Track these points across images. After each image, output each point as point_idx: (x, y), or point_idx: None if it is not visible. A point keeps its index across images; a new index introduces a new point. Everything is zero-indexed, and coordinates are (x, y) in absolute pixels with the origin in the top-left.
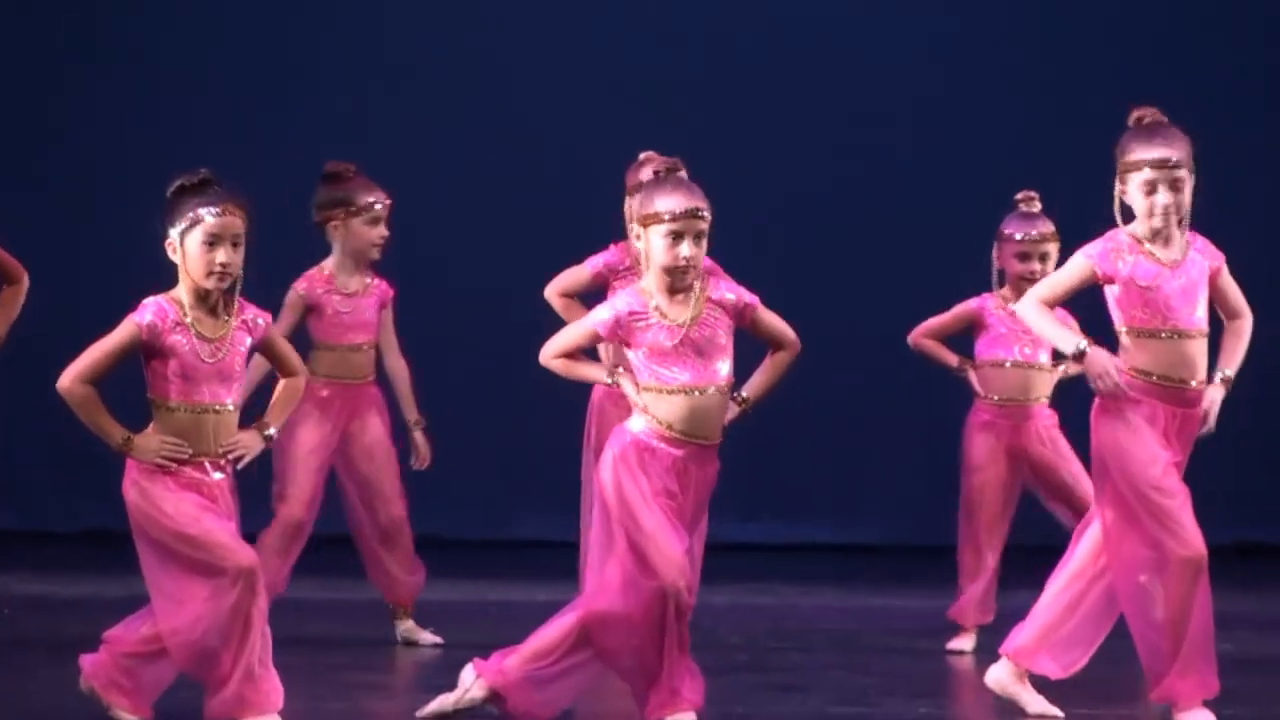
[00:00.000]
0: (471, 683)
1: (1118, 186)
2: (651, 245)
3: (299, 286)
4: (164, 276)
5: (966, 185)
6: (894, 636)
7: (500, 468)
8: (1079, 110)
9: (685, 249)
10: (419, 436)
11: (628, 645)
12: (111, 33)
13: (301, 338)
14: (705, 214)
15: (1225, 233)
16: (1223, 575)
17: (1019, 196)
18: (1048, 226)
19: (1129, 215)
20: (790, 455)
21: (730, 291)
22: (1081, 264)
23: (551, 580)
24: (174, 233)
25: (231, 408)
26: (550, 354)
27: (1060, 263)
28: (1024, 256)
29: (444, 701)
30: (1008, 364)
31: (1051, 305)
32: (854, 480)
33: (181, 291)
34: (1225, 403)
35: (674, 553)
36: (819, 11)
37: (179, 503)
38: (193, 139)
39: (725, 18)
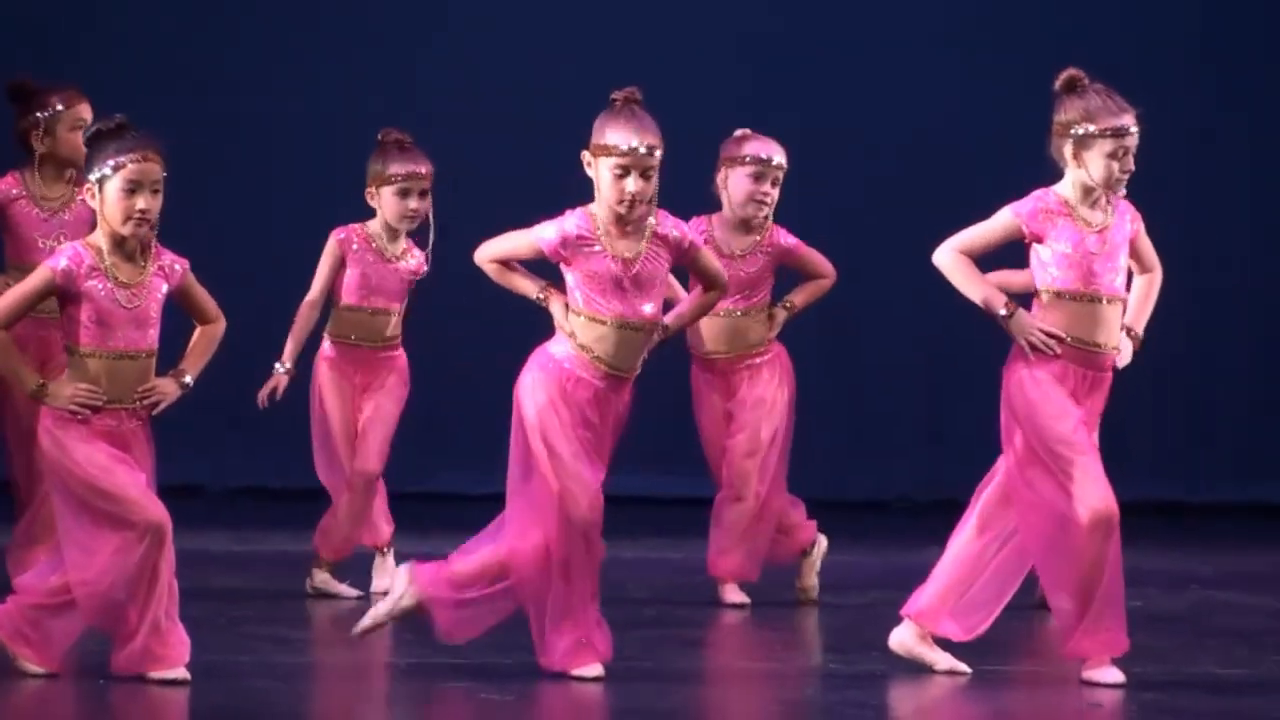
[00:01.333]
0: (404, 590)
1: (1067, 147)
2: (600, 177)
3: (337, 234)
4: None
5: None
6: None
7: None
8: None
9: (631, 184)
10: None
11: (538, 579)
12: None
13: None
14: (656, 151)
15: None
16: (1135, 533)
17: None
18: None
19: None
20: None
21: (675, 229)
22: (1008, 219)
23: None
24: (92, 178)
25: (148, 355)
26: (487, 256)
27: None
28: None
29: (376, 614)
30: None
31: (970, 256)
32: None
33: (99, 237)
34: (1143, 362)
35: (589, 486)
36: None
37: (91, 453)
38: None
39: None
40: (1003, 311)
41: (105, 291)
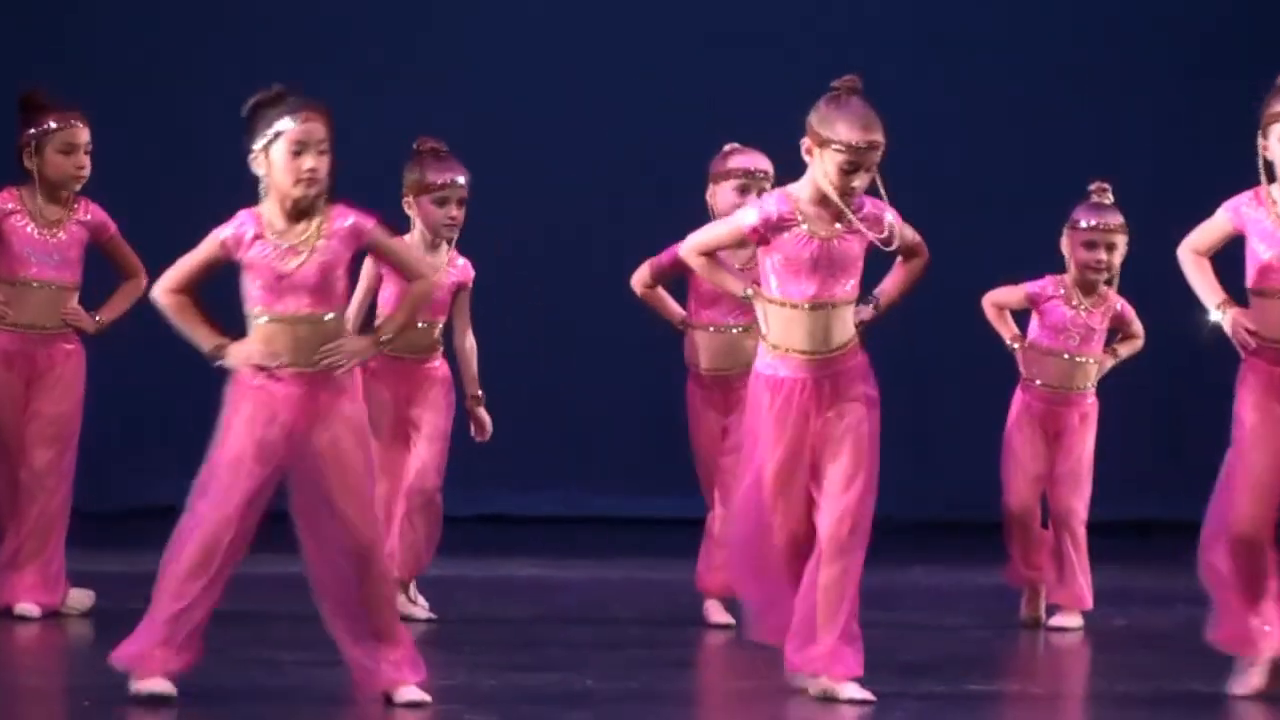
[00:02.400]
0: None
1: (1260, 141)
2: (819, 167)
3: None
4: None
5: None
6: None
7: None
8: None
9: (855, 180)
10: (480, 411)
11: None
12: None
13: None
14: (879, 144)
15: None
16: (1120, 551)
17: (1092, 187)
18: (1117, 218)
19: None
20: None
21: (888, 211)
22: (1220, 217)
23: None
24: (258, 146)
25: (329, 318)
26: (693, 249)
27: (1129, 254)
28: (1090, 245)
29: None
30: (1063, 355)
31: (1202, 254)
32: None
33: (268, 205)
34: (1129, 385)
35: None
36: None
37: (239, 424)
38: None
39: None
40: (1214, 313)
41: (271, 256)
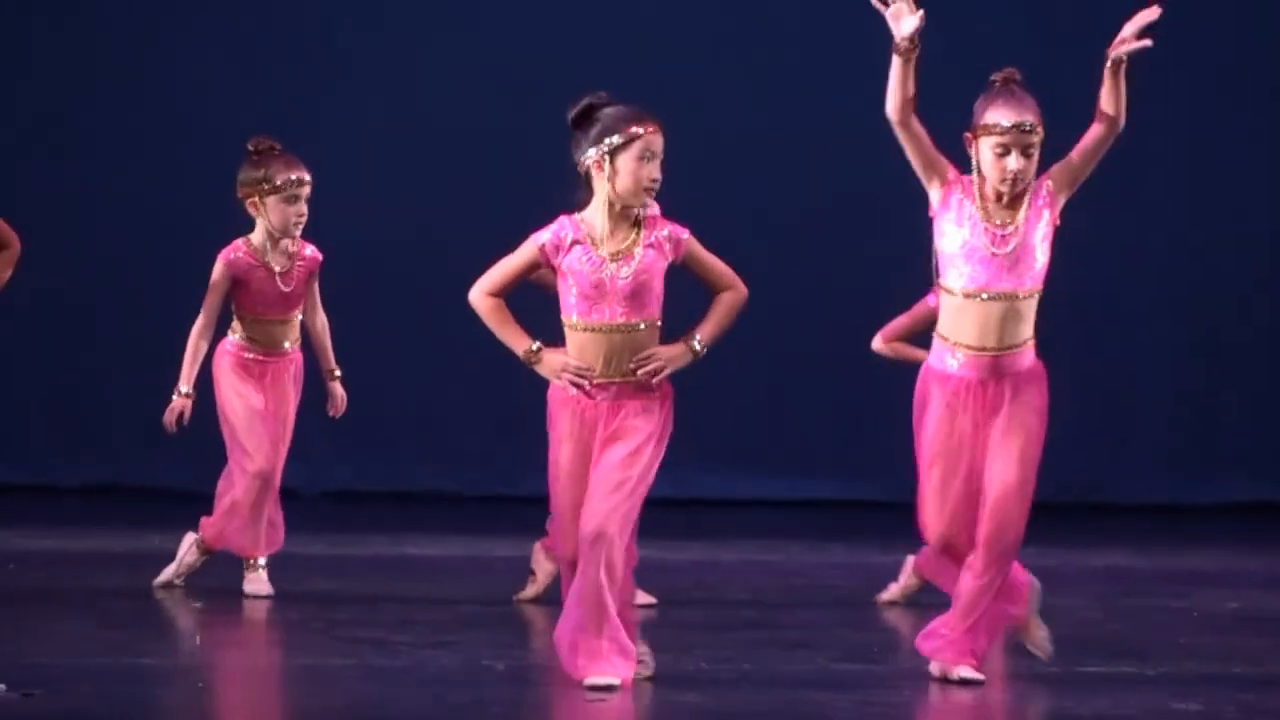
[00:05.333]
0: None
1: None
2: (981, 157)
3: (225, 256)
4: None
5: None
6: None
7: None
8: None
9: (1012, 162)
10: (335, 386)
11: None
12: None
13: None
14: (1037, 129)
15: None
16: (1231, 534)
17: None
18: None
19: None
20: (799, 411)
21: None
22: None
23: None
24: (597, 151)
25: (644, 326)
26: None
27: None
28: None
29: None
30: None
31: None
32: (862, 437)
33: (593, 210)
34: (1241, 363)
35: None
36: None
37: (563, 438)
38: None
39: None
40: None
41: (589, 264)
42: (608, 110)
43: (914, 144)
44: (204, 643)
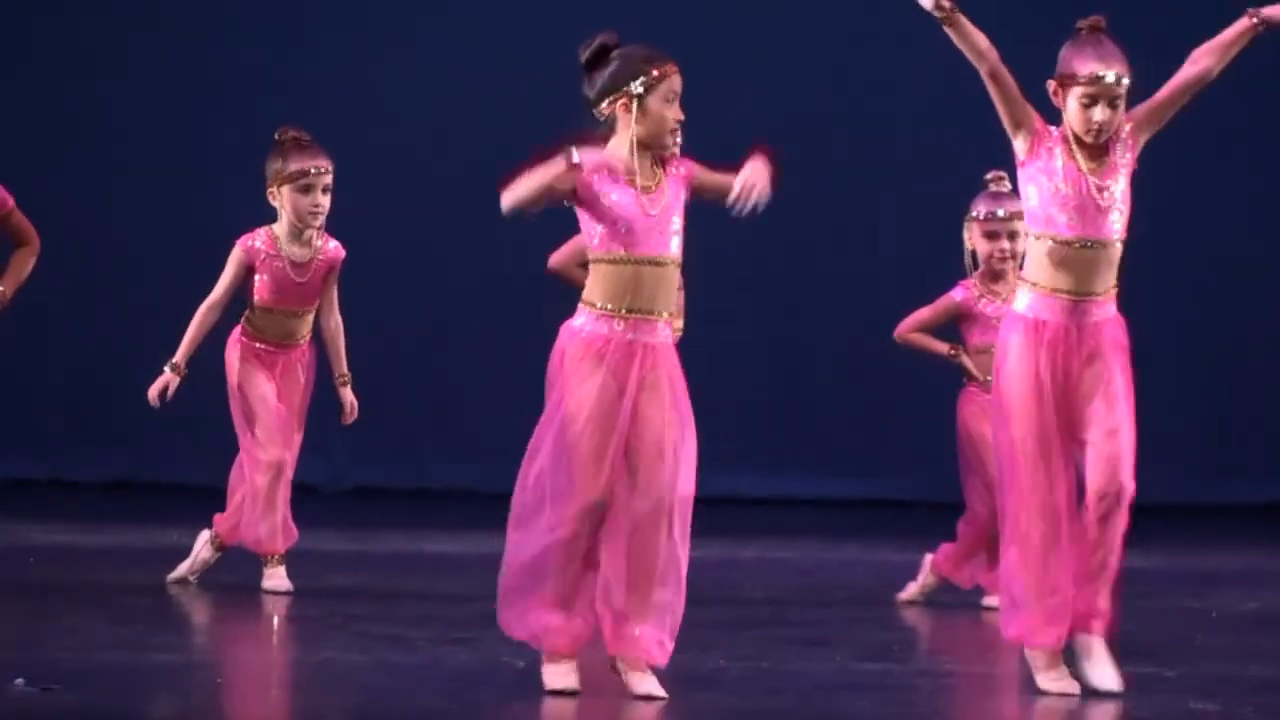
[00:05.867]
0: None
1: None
2: (1067, 107)
3: (243, 242)
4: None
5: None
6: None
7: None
8: None
9: (1098, 113)
10: (346, 391)
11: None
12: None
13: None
14: (1124, 79)
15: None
16: (1250, 533)
17: (989, 176)
18: (1015, 205)
19: None
20: (817, 410)
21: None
22: None
23: None
24: (624, 90)
25: (672, 264)
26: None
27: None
28: (992, 235)
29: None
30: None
31: None
32: (880, 435)
33: (620, 146)
34: (1261, 363)
35: None
36: None
37: (580, 374)
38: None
39: None
40: None
41: (620, 195)
42: (624, 51)
43: (1000, 93)
44: (221, 638)
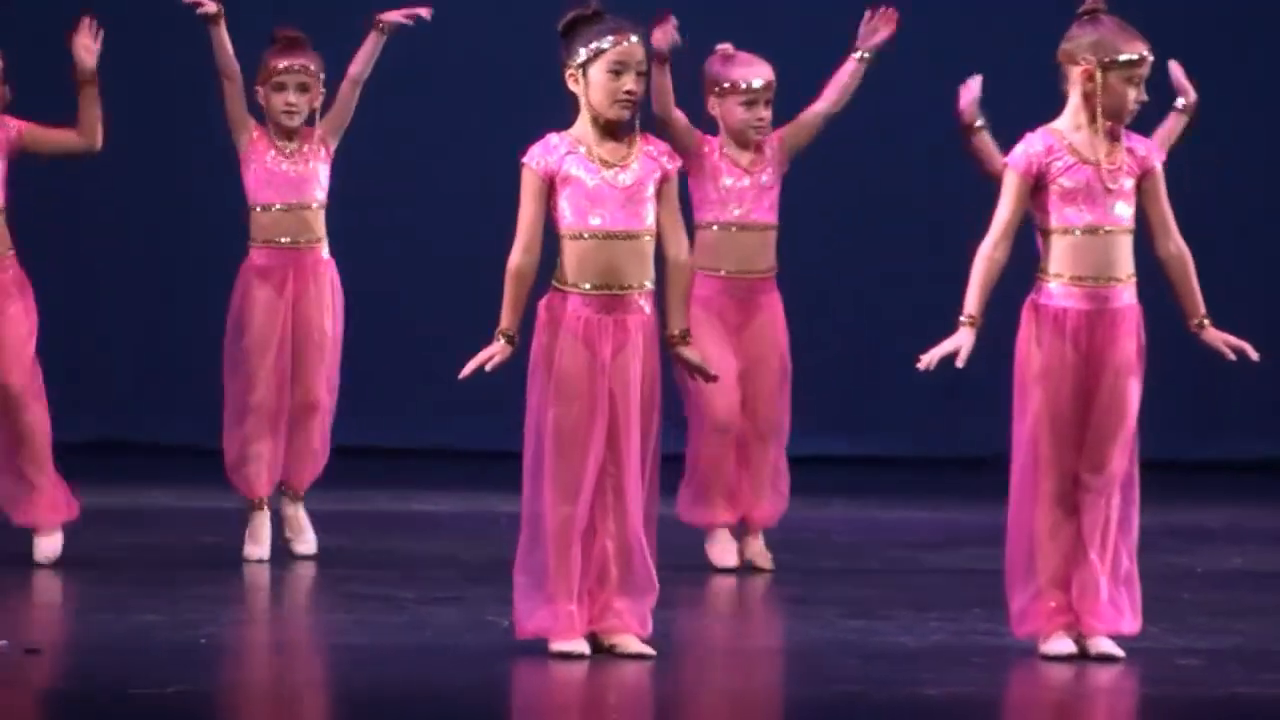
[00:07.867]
0: None
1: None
2: (1094, 84)
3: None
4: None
5: None
6: (902, 549)
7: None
8: None
9: (1132, 93)
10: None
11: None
12: None
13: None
14: (1148, 57)
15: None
16: (1236, 490)
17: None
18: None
19: None
20: (803, 368)
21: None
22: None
23: None
24: (574, 63)
25: (646, 238)
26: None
27: None
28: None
29: None
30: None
31: None
32: (866, 393)
33: (580, 124)
34: (1249, 319)
35: None
36: None
37: (559, 344)
38: None
39: None
40: None
41: (584, 169)
42: (586, 24)
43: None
44: (205, 600)
